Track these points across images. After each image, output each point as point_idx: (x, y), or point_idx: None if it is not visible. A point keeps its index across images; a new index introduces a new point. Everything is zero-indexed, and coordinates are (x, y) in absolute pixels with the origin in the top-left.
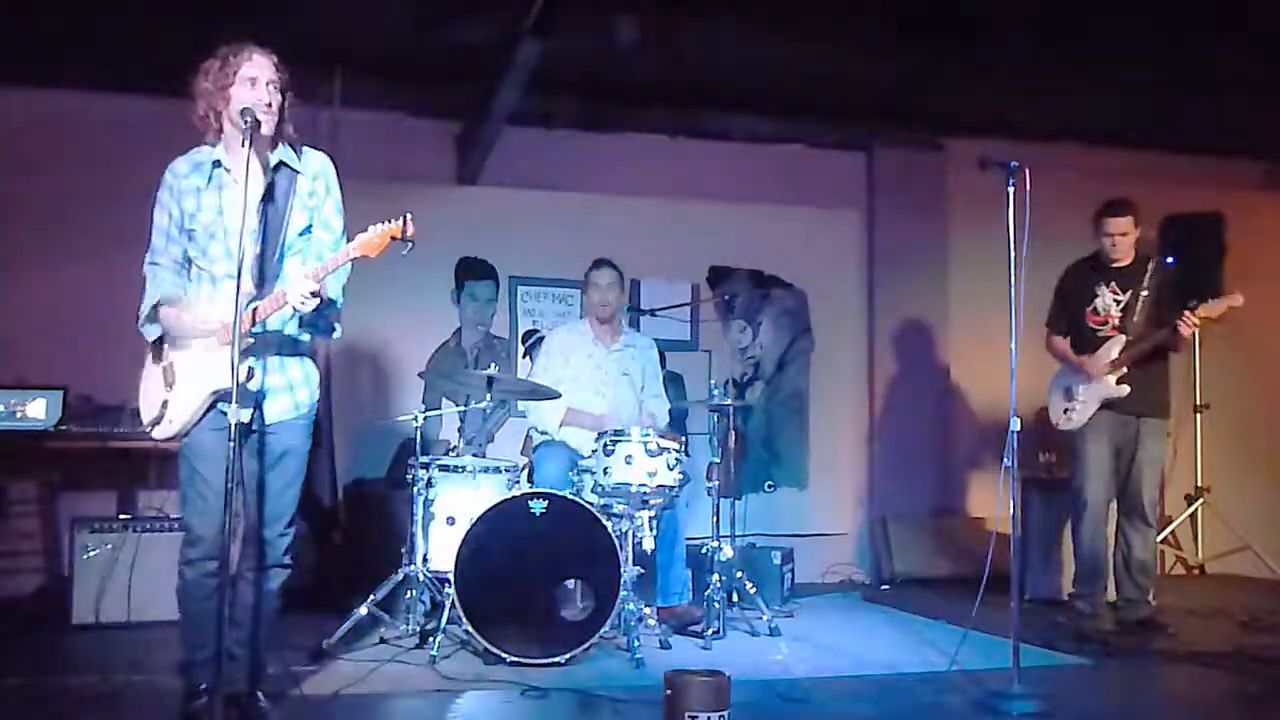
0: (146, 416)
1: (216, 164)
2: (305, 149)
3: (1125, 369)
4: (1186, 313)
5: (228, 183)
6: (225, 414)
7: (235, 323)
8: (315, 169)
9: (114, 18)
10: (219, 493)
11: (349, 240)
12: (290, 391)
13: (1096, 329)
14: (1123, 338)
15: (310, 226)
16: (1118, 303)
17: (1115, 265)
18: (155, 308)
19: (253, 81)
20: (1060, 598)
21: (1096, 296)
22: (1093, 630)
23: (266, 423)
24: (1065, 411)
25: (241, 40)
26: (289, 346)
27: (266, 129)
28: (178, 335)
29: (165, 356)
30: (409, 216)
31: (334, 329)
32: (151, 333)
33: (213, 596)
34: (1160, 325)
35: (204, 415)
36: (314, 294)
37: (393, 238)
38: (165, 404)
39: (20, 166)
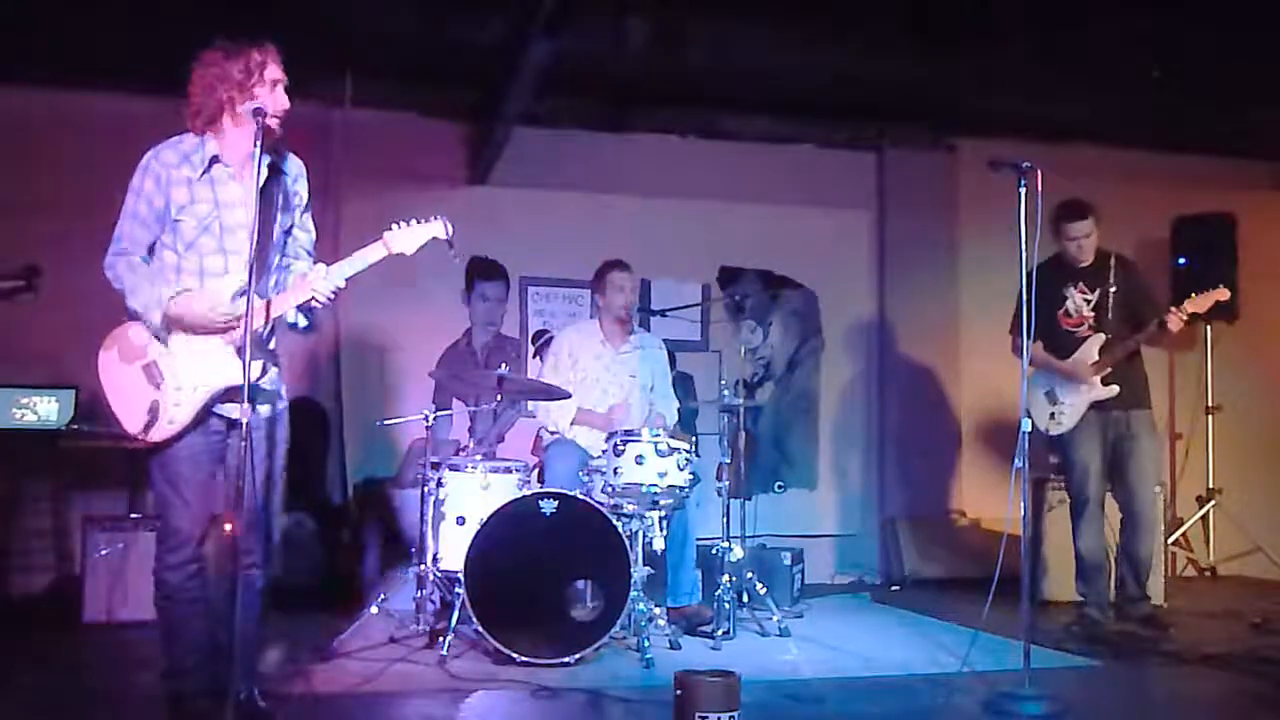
0: (133, 424)
1: (215, 158)
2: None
3: (1109, 368)
4: (1173, 309)
5: (223, 178)
6: (219, 415)
7: (246, 319)
8: (296, 171)
9: (121, 18)
10: (202, 498)
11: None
12: (274, 386)
13: (1072, 330)
14: (1101, 336)
15: (291, 228)
16: (1088, 302)
17: (1080, 265)
18: (163, 310)
19: (274, 84)
20: (1073, 599)
21: (1066, 299)
22: (1104, 633)
23: (262, 418)
24: (1052, 416)
25: (245, 39)
26: (266, 345)
27: (279, 131)
28: (182, 329)
29: (143, 353)
30: (447, 220)
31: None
32: (154, 323)
33: (197, 600)
34: (1135, 321)
35: (200, 415)
36: (336, 290)
37: (433, 238)
38: (154, 406)
39: (29, 166)
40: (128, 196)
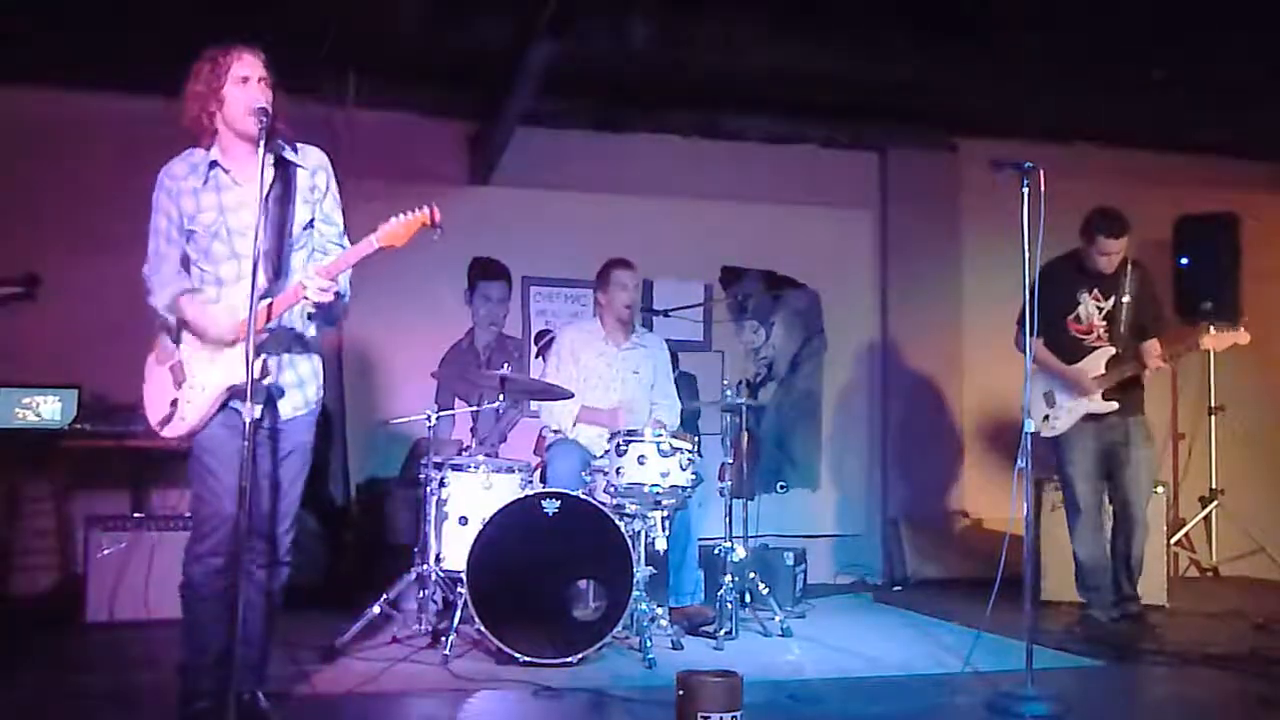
0: (154, 416)
1: (213, 164)
2: (301, 144)
3: (1112, 384)
4: (1156, 351)
5: (226, 183)
6: (239, 411)
7: (250, 319)
8: (314, 163)
9: (121, 18)
10: (230, 489)
11: (347, 233)
12: (300, 388)
13: (1080, 338)
14: (1110, 349)
15: (312, 220)
16: (1100, 310)
17: (1098, 271)
18: (174, 301)
19: (245, 80)
20: (1075, 599)
21: (1079, 304)
22: (1106, 633)
23: (281, 419)
24: (1046, 418)
25: (244, 39)
26: (298, 343)
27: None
28: (194, 332)
29: (172, 354)
30: (434, 206)
31: (340, 319)
32: (167, 320)
33: (219, 596)
34: (1141, 333)
35: (217, 412)
36: (329, 288)
37: (422, 225)
38: (175, 402)
39: (32, 167)
40: (151, 214)
